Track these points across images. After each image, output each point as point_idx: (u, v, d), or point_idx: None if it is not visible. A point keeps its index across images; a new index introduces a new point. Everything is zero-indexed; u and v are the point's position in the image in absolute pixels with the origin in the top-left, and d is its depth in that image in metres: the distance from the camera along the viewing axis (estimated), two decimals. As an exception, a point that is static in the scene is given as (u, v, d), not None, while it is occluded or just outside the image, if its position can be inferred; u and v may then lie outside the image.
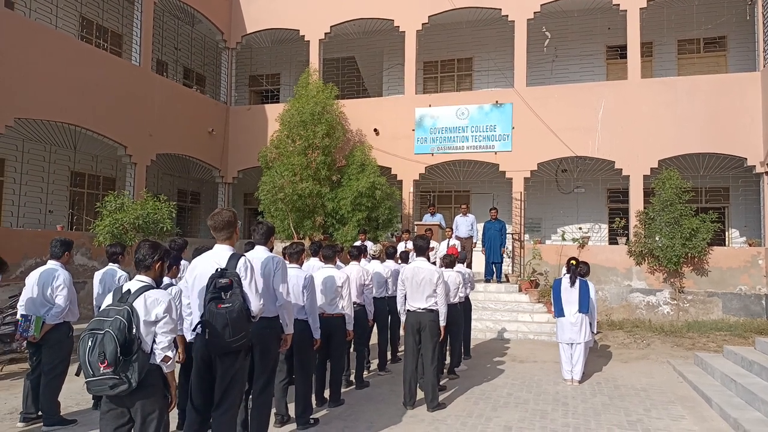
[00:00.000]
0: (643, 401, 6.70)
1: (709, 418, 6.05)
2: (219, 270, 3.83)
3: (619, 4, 13.38)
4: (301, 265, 5.73)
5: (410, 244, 11.09)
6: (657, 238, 12.25)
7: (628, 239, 13.12)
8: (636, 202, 13.03)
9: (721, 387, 6.94)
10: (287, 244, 8.25)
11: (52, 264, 5.65)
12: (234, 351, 3.87)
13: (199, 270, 4.03)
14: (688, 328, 10.97)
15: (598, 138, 13.34)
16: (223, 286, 3.76)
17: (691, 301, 12.29)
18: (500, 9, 14.19)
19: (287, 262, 5.70)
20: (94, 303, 6.14)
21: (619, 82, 13.84)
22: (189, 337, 4.24)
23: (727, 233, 14.47)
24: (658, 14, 13.78)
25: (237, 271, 3.88)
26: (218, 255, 4.03)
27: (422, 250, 6.31)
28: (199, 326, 3.91)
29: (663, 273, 12.47)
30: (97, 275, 6.21)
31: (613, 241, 14.39)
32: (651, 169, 12.98)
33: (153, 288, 3.55)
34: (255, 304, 3.93)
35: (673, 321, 11.89)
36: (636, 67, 13.30)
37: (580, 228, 15.10)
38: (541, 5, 13.85)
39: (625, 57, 13.64)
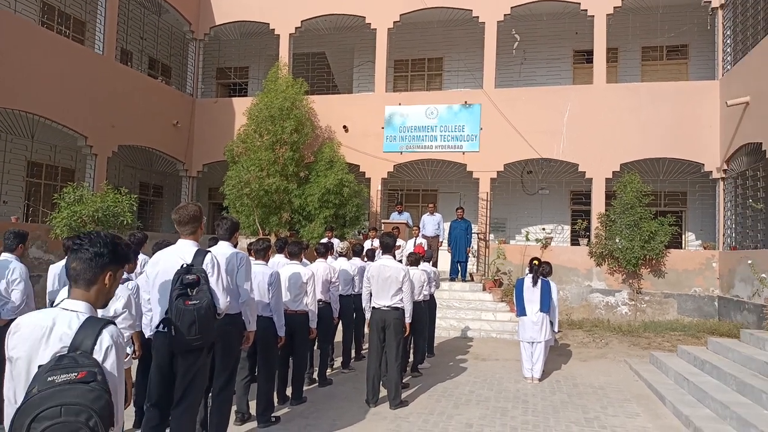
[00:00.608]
0: (600, 399, 6.86)
1: (663, 416, 6.24)
2: (186, 266, 3.75)
3: (586, 10, 13.64)
4: (267, 261, 5.67)
5: (377, 242, 11.11)
6: (617, 240, 12.56)
7: (589, 241, 13.41)
8: (598, 204, 13.32)
9: (674, 385, 7.16)
10: (252, 240, 8.16)
11: (6, 256, 5.45)
12: (197, 348, 3.80)
13: (163, 265, 3.94)
14: (645, 328, 11.29)
15: (563, 141, 13.59)
16: (190, 283, 3.68)
17: (648, 302, 12.65)
18: (471, 10, 14.30)
19: (252, 258, 5.64)
20: (48, 298, 5.95)
21: (585, 87, 14.12)
22: (148, 333, 4.15)
23: (683, 236, 14.93)
24: (624, 21, 14.11)
25: (204, 267, 3.81)
26: (183, 250, 3.94)
27: (389, 247, 6.31)
28: (162, 323, 3.83)
29: (622, 274, 12.80)
30: (53, 268, 6.00)
31: (575, 242, 14.69)
32: (613, 172, 13.29)
33: (111, 283, 3.44)
34: (222, 301, 3.88)
35: (630, 321, 12.21)
36: (602, 72, 13.59)
37: (544, 229, 15.37)
38: (511, 8, 14.02)
39: (592, 62, 13.92)
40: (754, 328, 9.65)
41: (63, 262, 6.03)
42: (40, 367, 1.88)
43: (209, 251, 3.98)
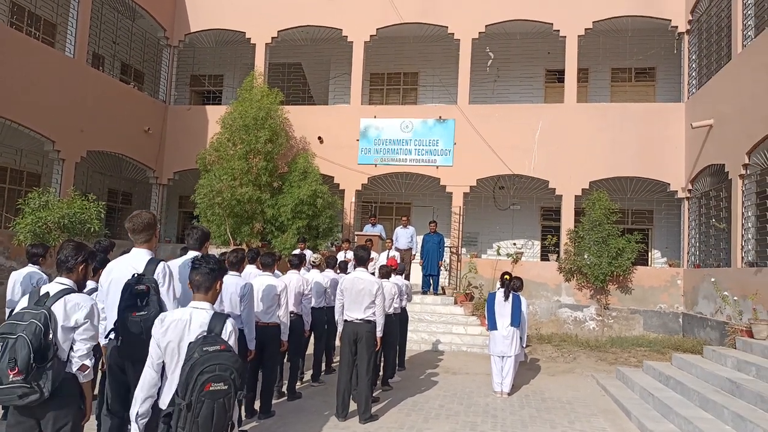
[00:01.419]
0: (568, 414, 6.93)
1: (628, 430, 6.33)
2: (136, 276, 3.69)
3: (558, 31, 13.96)
4: (240, 273, 5.60)
5: (350, 254, 11.08)
6: (585, 256, 12.78)
7: (558, 256, 13.62)
8: (567, 220, 13.55)
9: (639, 400, 7.28)
10: (224, 250, 8.05)
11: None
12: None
13: (115, 274, 3.87)
14: (612, 343, 11.46)
15: (535, 157, 13.82)
16: (139, 293, 3.61)
17: (615, 318, 12.87)
18: (447, 27, 14.50)
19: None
20: (7, 306, 5.76)
21: (556, 105, 14.41)
22: (103, 342, 4.05)
23: (649, 254, 15.28)
24: (595, 42, 14.48)
25: (155, 276, 3.74)
26: (136, 259, 3.88)
27: (363, 260, 6.30)
28: (112, 332, 3.76)
29: (590, 290, 13.01)
30: (14, 276, 5.84)
31: (544, 257, 14.89)
32: (582, 189, 13.55)
33: (74, 291, 3.36)
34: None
35: (598, 336, 12.40)
36: (572, 92, 13.90)
37: (515, 244, 15.55)
38: (486, 26, 14.26)
39: (563, 81, 14.23)
40: (716, 344, 9.89)
41: (26, 269, 5.88)
42: (190, 343, 2.91)
43: (162, 260, 3.91)
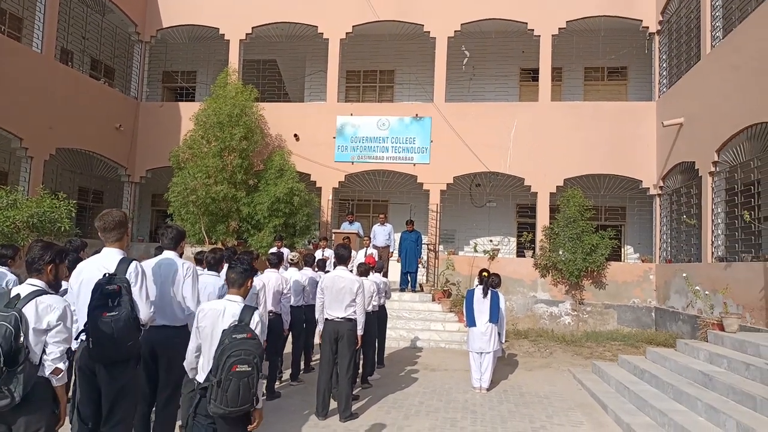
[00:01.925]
0: (546, 408, 7.01)
1: (605, 424, 6.43)
2: (107, 275, 3.58)
3: (533, 30, 14.10)
4: (220, 272, 5.52)
5: (328, 252, 11.03)
6: (560, 252, 12.95)
7: (534, 252, 13.77)
8: (542, 217, 13.71)
9: (615, 394, 7.40)
10: (199, 249, 7.92)
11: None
12: (121, 361, 3.63)
13: (86, 275, 3.75)
14: (587, 337, 11.64)
15: (510, 155, 13.94)
16: (110, 293, 3.51)
17: (589, 312, 13.07)
18: (423, 25, 14.52)
19: (203, 268, 5.49)
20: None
21: (531, 104, 14.56)
22: (74, 345, 3.94)
23: (623, 249, 15.55)
24: (568, 42, 14.66)
25: (127, 276, 3.65)
26: (107, 259, 3.77)
27: (343, 259, 6.27)
28: (83, 334, 3.63)
29: (565, 285, 13.19)
30: (-19, 277, 5.64)
31: (520, 254, 15.03)
32: (557, 187, 13.72)
33: (46, 293, 3.25)
34: (144, 312, 3.70)
35: (573, 331, 12.58)
36: (546, 90, 14.05)
37: (491, 240, 15.67)
38: (462, 24, 14.32)
39: (537, 80, 14.38)
40: (688, 337, 10.12)
41: (-7, 270, 5.67)
42: (223, 331, 3.38)
43: (134, 260, 3.81)
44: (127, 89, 16.06)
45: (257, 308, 3.65)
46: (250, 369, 3.23)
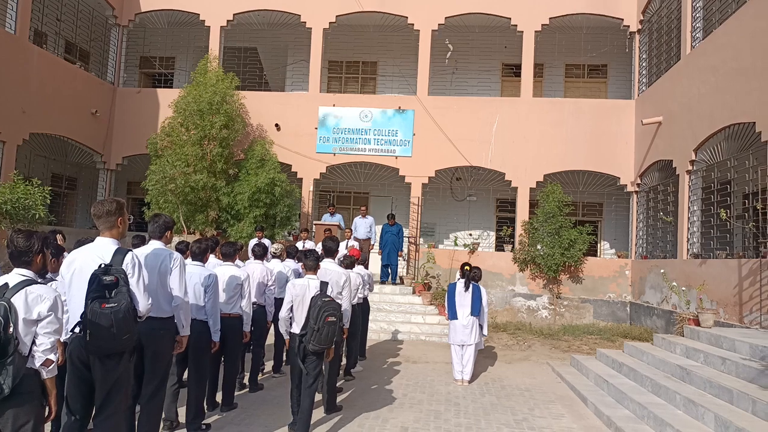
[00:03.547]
0: (527, 401, 7.10)
1: (586, 416, 6.55)
2: (103, 266, 3.49)
3: (516, 25, 14.16)
4: (205, 263, 5.44)
5: (309, 244, 10.97)
6: (539, 247, 13.11)
7: (513, 247, 13.92)
8: (522, 212, 13.85)
9: (595, 387, 7.54)
10: (178, 239, 7.80)
11: None
12: (117, 353, 3.55)
13: (79, 264, 3.65)
14: (564, 331, 11.83)
15: (491, 150, 14.03)
16: (107, 284, 3.42)
17: (566, 306, 13.28)
18: (407, 17, 14.46)
19: (189, 259, 5.39)
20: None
21: (513, 99, 14.66)
22: (64, 337, 3.84)
23: (599, 245, 15.82)
24: (551, 38, 14.78)
25: (123, 267, 3.56)
26: (101, 249, 3.67)
27: (331, 251, 6.24)
28: (78, 326, 3.54)
29: (543, 279, 13.37)
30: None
31: (499, 248, 15.19)
32: (537, 182, 13.86)
33: (36, 283, 3.16)
34: (142, 304, 3.63)
35: (550, 324, 12.77)
36: (528, 86, 14.16)
37: (471, 234, 15.78)
38: (446, 18, 14.31)
39: (519, 75, 14.48)
40: (662, 332, 10.36)
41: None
42: (312, 297, 5.08)
43: (130, 250, 3.73)
44: (104, 74, 15.67)
45: (328, 283, 5.47)
46: (335, 319, 4.98)
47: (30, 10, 12.44)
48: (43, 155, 14.27)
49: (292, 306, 5.34)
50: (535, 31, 14.12)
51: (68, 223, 15.54)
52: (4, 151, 11.65)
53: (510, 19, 14.18)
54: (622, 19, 13.91)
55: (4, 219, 9.04)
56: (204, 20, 15.03)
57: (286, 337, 5.52)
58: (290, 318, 5.34)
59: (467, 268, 8.14)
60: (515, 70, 15.59)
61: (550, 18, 14.02)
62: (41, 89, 12.56)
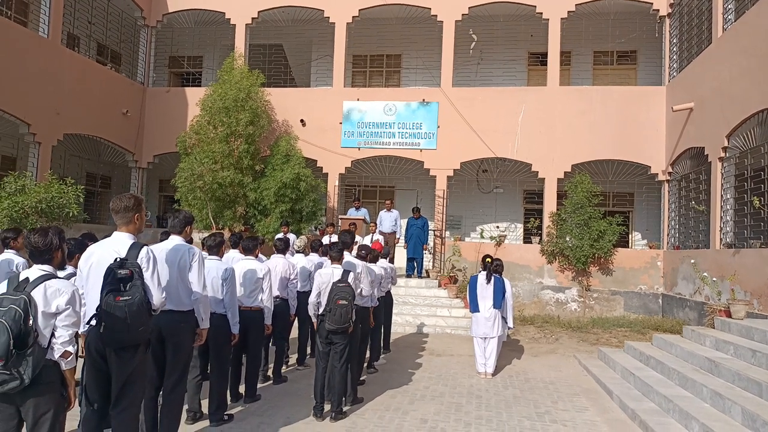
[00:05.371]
0: (551, 394, 7.03)
1: (610, 409, 6.45)
2: (118, 260, 3.59)
3: (542, 13, 13.91)
4: (221, 256, 5.54)
5: (334, 238, 11.04)
6: (567, 239, 12.90)
7: (541, 239, 13.73)
8: (550, 203, 13.64)
9: (621, 380, 7.41)
10: (206, 234, 7.95)
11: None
12: (132, 345, 3.65)
13: (96, 258, 3.76)
14: (593, 324, 11.63)
15: (518, 141, 13.85)
16: (122, 278, 3.51)
17: (596, 299, 13.05)
18: (430, 8, 14.36)
19: (205, 253, 5.49)
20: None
21: (539, 88, 14.42)
22: (82, 329, 3.97)
23: (630, 236, 15.48)
24: (577, 26, 14.47)
25: (138, 261, 3.66)
26: (118, 243, 3.77)
27: (347, 245, 6.32)
28: (94, 318, 3.65)
29: (572, 272, 13.16)
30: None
31: (527, 240, 15.01)
32: (565, 172, 13.63)
33: (55, 277, 3.28)
34: (156, 298, 3.72)
35: (579, 317, 12.57)
36: (555, 75, 13.90)
37: (498, 227, 15.63)
38: (469, 8, 14.16)
39: (546, 64, 14.23)
40: (695, 324, 10.09)
41: (2, 256, 5.72)
42: (333, 283, 5.74)
43: (145, 245, 3.82)
44: (134, 74, 16.05)
45: (351, 271, 5.94)
46: (346, 303, 5.58)
47: (62, 15, 12.81)
48: (77, 155, 14.73)
49: (320, 292, 5.86)
50: (561, 19, 13.84)
51: (102, 220, 16.02)
52: (39, 151, 12.07)
53: (535, 6, 13.93)
54: (651, 3, 13.51)
55: (40, 218, 9.36)
56: (229, 18, 15.22)
57: (314, 319, 6.00)
58: (318, 303, 5.85)
59: (489, 260, 8.10)
60: (541, 59, 15.33)
61: (576, 4, 13.71)
62: (74, 91, 12.95)
